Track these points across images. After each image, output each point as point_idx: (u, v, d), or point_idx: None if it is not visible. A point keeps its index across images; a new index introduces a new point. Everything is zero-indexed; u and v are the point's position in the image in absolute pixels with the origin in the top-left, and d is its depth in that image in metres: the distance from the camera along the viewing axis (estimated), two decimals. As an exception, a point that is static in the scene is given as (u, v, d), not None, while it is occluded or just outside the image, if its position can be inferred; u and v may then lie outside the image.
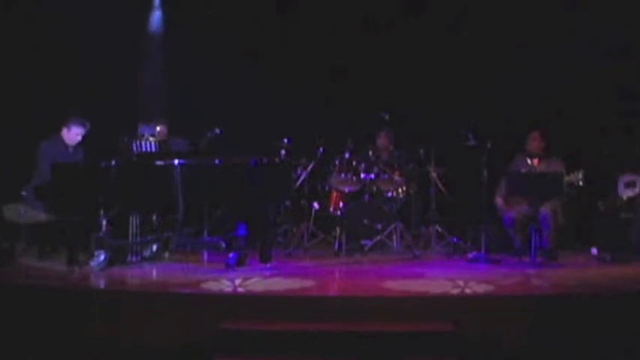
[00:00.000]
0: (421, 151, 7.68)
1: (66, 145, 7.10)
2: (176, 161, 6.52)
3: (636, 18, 7.86)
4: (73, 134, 7.09)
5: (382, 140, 8.07)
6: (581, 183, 6.73)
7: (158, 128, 7.29)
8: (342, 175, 7.59)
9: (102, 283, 6.07)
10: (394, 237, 7.46)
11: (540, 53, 8.24)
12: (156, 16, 8.95)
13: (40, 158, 6.90)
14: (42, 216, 6.75)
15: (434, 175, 7.65)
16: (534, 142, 7.25)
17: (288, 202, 7.88)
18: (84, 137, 7.14)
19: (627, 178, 7.16)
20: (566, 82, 8.15)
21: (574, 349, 5.05)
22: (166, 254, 7.11)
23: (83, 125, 7.11)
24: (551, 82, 8.22)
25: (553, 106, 8.17)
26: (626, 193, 7.13)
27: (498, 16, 8.22)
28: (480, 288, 5.66)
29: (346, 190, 7.69)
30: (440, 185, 7.66)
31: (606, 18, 7.96)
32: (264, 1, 8.67)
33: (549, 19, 8.19)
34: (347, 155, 7.58)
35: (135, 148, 6.85)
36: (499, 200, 7.17)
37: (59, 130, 7.10)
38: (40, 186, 6.66)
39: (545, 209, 6.83)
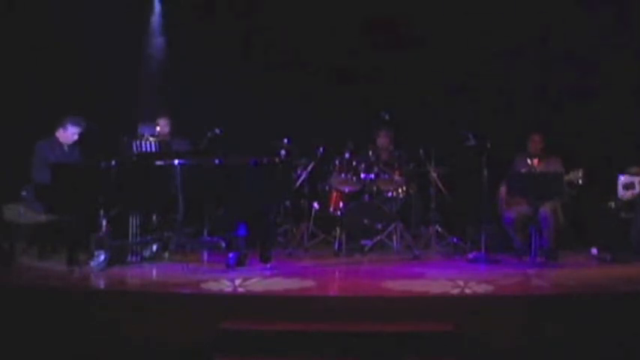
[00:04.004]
0: (421, 151, 7.67)
1: (61, 145, 7.10)
2: (176, 161, 6.52)
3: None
4: (69, 134, 7.09)
5: (382, 140, 8.07)
6: (580, 181, 6.74)
7: (158, 128, 7.28)
8: (342, 175, 7.59)
9: (102, 283, 6.07)
10: (394, 237, 7.46)
11: (540, 53, 8.26)
12: (156, 16, 8.95)
13: (35, 158, 6.90)
14: (42, 216, 6.76)
15: (434, 175, 7.65)
16: (535, 144, 7.26)
17: (288, 202, 7.88)
18: (81, 135, 7.14)
19: (626, 179, 7.16)
20: (566, 82, 8.16)
21: (574, 349, 5.05)
22: (166, 254, 7.11)
23: (79, 124, 7.11)
24: (550, 82, 8.24)
25: (553, 106, 8.18)
26: (625, 195, 7.12)
27: (497, 16, 8.22)
28: (480, 288, 5.66)
29: (346, 190, 7.69)
30: (440, 185, 7.66)
31: (605, 18, 7.98)
32: (265, 1, 8.67)
33: (548, 20, 8.19)
34: (347, 155, 7.59)
35: (135, 148, 6.86)
36: (502, 190, 7.13)
37: (55, 130, 7.10)
38: (40, 186, 6.67)
39: (545, 209, 6.83)
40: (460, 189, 7.80)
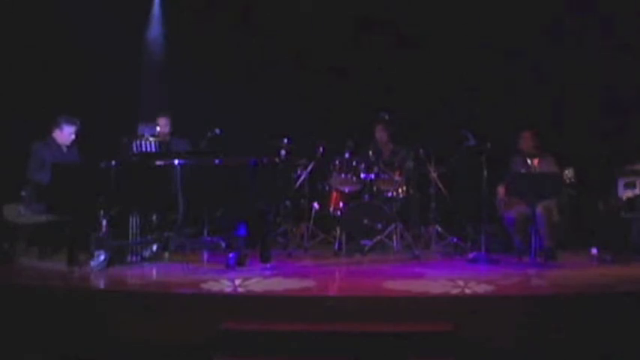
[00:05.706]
0: (421, 151, 7.68)
1: (59, 146, 7.11)
2: (176, 161, 6.53)
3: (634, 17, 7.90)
4: (66, 134, 7.10)
5: (380, 134, 8.07)
6: (572, 180, 6.72)
7: (159, 127, 7.28)
8: (342, 175, 7.59)
9: (102, 283, 6.06)
10: (394, 237, 7.45)
11: (538, 53, 8.27)
12: (156, 16, 8.96)
13: (31, 158, 6.91)
14: (42, 216, 6.76)
15: (434, 175, 7.65)
16: (526, 142, 7.26)
17: (288, 202, 7.88)
18: (76, 134, 7.14)
19: (627, 178, 7.15)
20: (565, 82, 8.17)
21: (574, 349, 5.05)
22: (166, 254, 7.11)
23: (74, 123, 7.13)
24: (549, 82, 8.25)
25: (551, 106, 8.19)
26: (625, 194, 7.12)
27: (497, 15, 8.23)
28: (480, 288, 5.65)
29: (346, 190, 7.69)
30: (440, 185, 7.66)
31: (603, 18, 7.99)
32: (264, 1, 8.67)
33: (547, 20, 8.20)
34: (347, 155, 7.59)
35: (135, 148, 6.86)
36: (500, 190, 7.13)
37: (50, 132, 7.10)
38: (40, 186, 6.67)
39: (539, 208, 6.82)
40: (460, 189, 7.80)
